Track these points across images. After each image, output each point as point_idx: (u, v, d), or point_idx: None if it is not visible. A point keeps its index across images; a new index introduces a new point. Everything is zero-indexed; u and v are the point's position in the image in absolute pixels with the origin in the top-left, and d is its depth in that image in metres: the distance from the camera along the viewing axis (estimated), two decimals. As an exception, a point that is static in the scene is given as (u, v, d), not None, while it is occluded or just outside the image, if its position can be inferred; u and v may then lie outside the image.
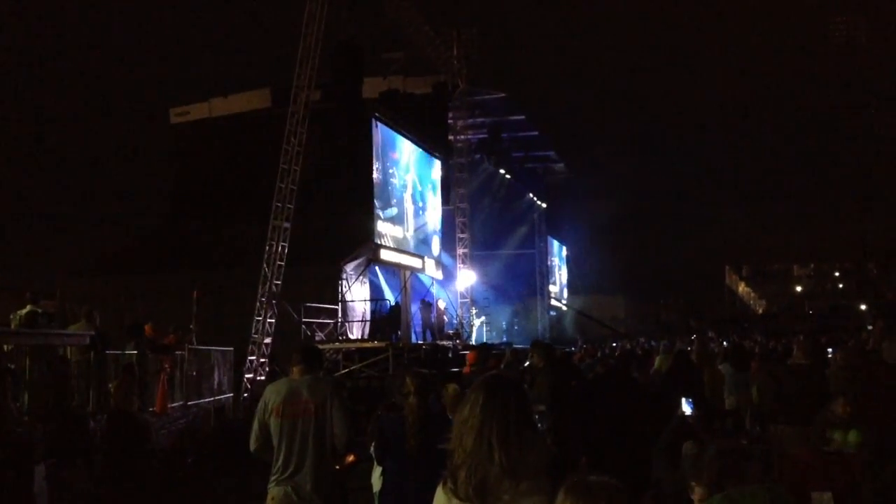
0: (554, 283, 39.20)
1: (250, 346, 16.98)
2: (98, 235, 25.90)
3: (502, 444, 2.45)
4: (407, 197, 22.51)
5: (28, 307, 11.13)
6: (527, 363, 9.73)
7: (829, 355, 11.27)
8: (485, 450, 2.45)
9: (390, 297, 22.04)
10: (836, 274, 55.66)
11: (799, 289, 55.75)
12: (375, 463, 5.28)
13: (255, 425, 4.90)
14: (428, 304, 21.99)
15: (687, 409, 6.56)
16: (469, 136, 27.26)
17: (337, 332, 18.95)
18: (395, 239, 21.23)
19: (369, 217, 19.96)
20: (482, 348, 13.04)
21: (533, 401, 7.01)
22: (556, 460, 2.65)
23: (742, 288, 55.22)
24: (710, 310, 48.64)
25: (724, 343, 22.08)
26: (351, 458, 4.99)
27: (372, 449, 5.17)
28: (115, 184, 28.21)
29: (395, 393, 5.44)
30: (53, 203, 26.78)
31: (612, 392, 6.81)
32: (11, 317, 11.23)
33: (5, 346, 10.32)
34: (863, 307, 48.69)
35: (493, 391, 2.55)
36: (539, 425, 6.38)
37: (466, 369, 11.74)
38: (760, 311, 51.57)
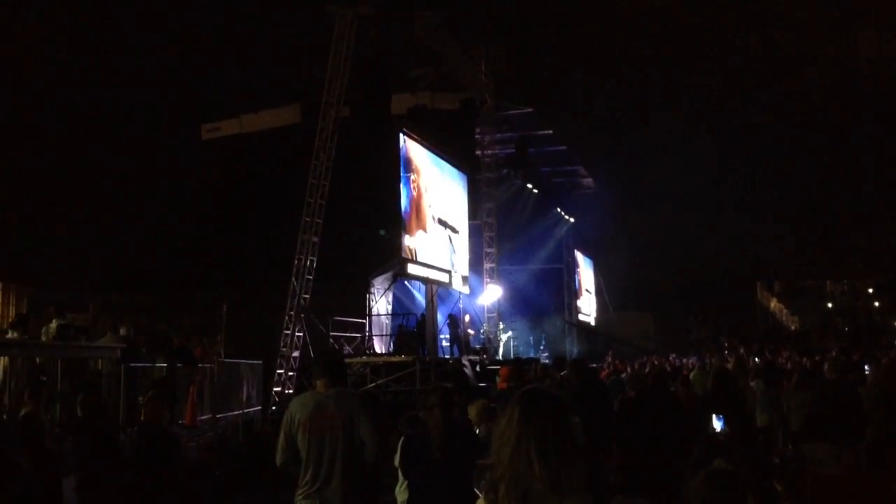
0: (581, 299, 38.97)
1: (278, 360, 17.09)
2: (129, 250, 26.16)
3: (542, 458, 2.40)
4: (434, 211, 22.53)
5: (54, 321, 11.28)
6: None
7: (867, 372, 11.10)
8: (524, 463, 2.41)
9: (421, 306, 22.09)
10: (871, 290, 54.69)
11: (832, 305, 54.78)
12: (400, 476, 5.26)
13: (282, 439, 4.81)
14: (455, 319, 21.98)
15: (718, 425, 6.47)
16: (496, 151, 27.23)
17: (364, 346, 19.00)
18: (421, 253, 21.25)
19: (397, 231, 20.02)
20: (515, 364, 12.97)
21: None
22: (595, 476, 2.61)
23: (774, 304, 54.32)
24: (742, 326, 47.87)
25: (756, 360, 21.75)
26: None
27: (397, 462, 5.15)
28: (145, 198, 28.43)
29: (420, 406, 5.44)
30: (84, 218, 27.08)
31: (652, 411, 6.72)
32: (43, 330, 11.39)
33: (38, 359, 10.47)
34: (897, 324, 47.75)
35: (530, 405, 2.52)
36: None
37: (501, 384, 11.71)
38: (793, 327, 50.68)
